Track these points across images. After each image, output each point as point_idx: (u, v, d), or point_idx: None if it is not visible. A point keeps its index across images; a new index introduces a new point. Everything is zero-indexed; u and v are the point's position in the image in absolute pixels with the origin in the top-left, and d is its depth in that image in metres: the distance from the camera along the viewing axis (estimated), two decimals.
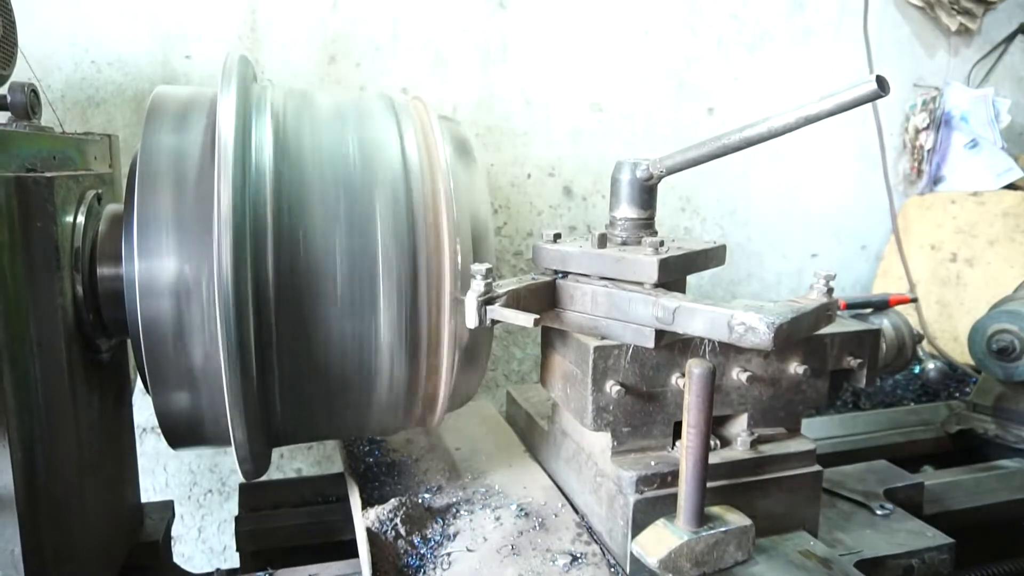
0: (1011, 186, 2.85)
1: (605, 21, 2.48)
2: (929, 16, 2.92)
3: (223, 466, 2.31)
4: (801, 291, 1.13)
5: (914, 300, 2.53)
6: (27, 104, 1.23)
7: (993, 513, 1.61)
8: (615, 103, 2.54)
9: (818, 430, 2.01)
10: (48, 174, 1.09)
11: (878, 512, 1.41)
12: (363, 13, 2.22)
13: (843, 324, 1.33)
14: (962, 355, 2.46)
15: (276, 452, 2.08)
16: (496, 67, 2.39)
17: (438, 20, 2.30)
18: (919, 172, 2.96)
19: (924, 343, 2.72)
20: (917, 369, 2.33)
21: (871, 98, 0.91)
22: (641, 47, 2.54)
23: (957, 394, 2.45)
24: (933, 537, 1.34)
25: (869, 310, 1.62)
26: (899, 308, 1.70)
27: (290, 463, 2.38)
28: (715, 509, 1.12)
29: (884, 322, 1.53)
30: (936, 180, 2.97)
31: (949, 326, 2.77)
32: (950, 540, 1.32)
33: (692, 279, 2.79)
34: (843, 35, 2.81)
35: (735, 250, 2.81)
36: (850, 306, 1.64)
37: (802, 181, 2.87)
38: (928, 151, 2.91)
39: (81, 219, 1.18)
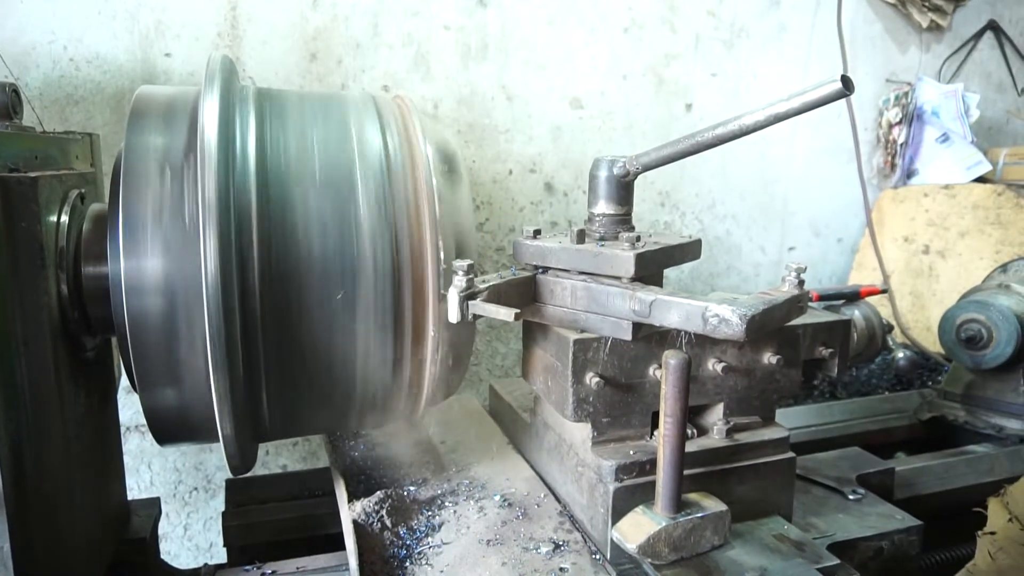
0: (981, 179, 2.92)
1: (585, 19, 2.51)
2: (901, 13, 2.98)
3: (208, 464, 2.32)
4: (779, 283, 1.16)
5: (884, 291, 2.59)
6: (9, 104, 1.23)
7: (961, 496, 1.66)
8: (595, 100, 2.57)
9: (795, 419, 2.05)
10: (31, 174, 1.09)
11: (850, 497, 1.45)
12: (344, 11, 2.23)
13: (815, 315, 1.36)
14: (935, 344, 2.52)
15: (261, 449, 2.09)
16: (477, 65, 2.40)
17: (419, 18, 2.31)
18: (892, 166, 3.03)
19: (898, 333, 2.79)
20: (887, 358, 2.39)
21: (836, 97, 0.94)
22: (620, 44, 2.58)
23: (930, 383, 2.52)
24: (902, 520, 1.38)
25: (841, 301, 1.66)
26: (870, 299, 1.75)
27: (275, 459, 2.39)
28: (692, 496, 1.15)
29: (855, 313, 1.57)
30: (909, 174, 3.04)
31: (922, 316, 2.84)
32: (918, 522, 1.37)
33: (672, 273, 2.85)
34: (817, 31, 2.86)
35: (714, 244, 2.86)
36: (822, 297, 1.68)
37: (779, 176, 2.92)
38: (901, 145, 2.98)
39: (65, 218, 1.19)
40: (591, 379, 1.17)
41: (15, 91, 1.27)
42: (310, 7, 2.20)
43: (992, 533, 1.30)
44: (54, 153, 1.32)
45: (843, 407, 2.22)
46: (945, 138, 2.95)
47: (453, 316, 1.07)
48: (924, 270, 2.87)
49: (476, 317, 1.08)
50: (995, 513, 1.34)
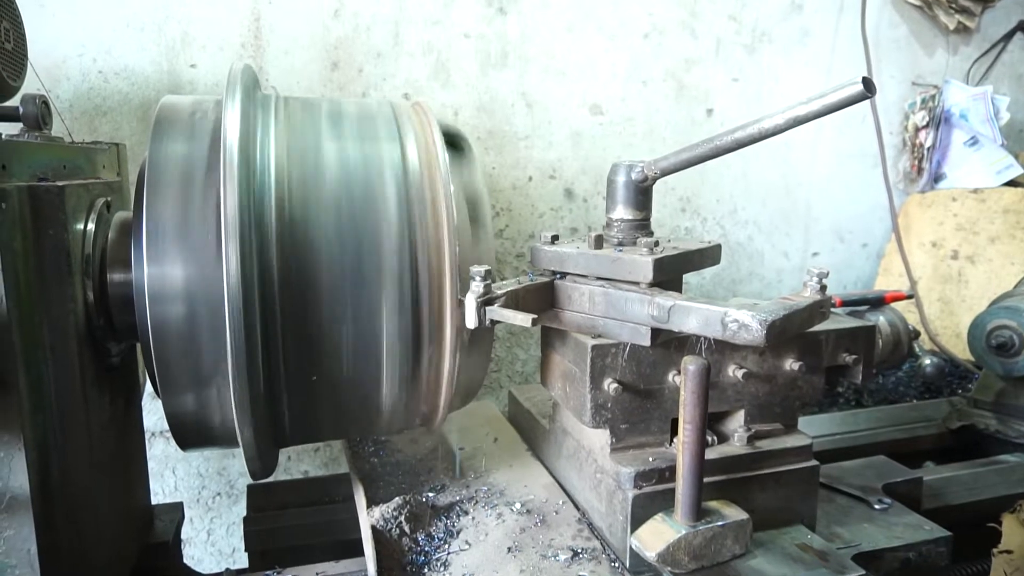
0: (1011, 183, 2.85)
1: (604, 25, 2.51)
2: (927, 15, 2.93)
3: (231, 469, 2.34)
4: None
5: (910, 296, 2.54)
6: (38, 115, 1.26)
7: (991, 507, 1.61)
8: (615, 106, 2.57)
9: (820, 427, 2.02)
10: (59, 183, 1.12)
11: (876, 507, 1.42)
12: (365, 20, 2.25)
13: (838, 321, 1.34)
14: (964, 352, 2.46)
15: (283, 455, 2.11)
16: (497, 72, 2.41)
17: (439, 26, 2.33)
18: (919, 170, 2.97)
19: (927, 340, 2.73)
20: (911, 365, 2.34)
21: (858, 99, 0.93)
22: (640, 50, 2.57)
23: (959, 390, 2.46)
24: (930, 530, 1.35)
25: (865, 307, 1.63)
26: (896, 304, 1.71)
27: (297, 465, 2.41)
28: (713, 504, 1.14)
29: (880, 319, 1.54)
30: (937, 178, 2.98)
31: (951, 323, 2.78)
32: (947, 533, 1.33)
33: (694, 279, 2.82)
34: (841, 35, 2.82)
35: (736, 250, 2.83)
36: (846, 303, 1.65)
37: (802, 180, 2.88)
38: (928, 149, 2.92)
39: (91, 226, 1.21)
40: (609, 385, 1.17)
41: (44, 103, 1.30)
42: (332, 17, 2.22)
43: (1008, 552, 1.25)
44: (81, 162, 1.35)
45: (869, 415, 2.18)
46: (974, 141, 2.89)
47: (471, 322, 1.07)
48: (953, 276, 2.81)
49: (494, 323, 1.08)
50: (1011, 530, 1.28)
